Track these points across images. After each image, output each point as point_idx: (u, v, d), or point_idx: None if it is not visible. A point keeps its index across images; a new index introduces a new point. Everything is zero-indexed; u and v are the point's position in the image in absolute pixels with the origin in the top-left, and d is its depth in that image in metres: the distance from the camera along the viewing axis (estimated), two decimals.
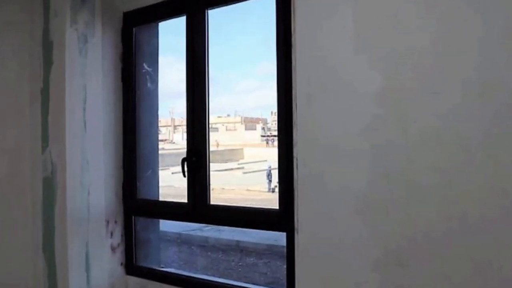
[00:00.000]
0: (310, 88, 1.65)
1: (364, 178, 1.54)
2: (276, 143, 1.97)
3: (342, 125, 1.59)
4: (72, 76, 2.31)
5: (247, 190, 16.07)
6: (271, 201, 10.31)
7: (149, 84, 2.54)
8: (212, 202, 2.19)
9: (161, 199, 2.68)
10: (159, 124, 2.89)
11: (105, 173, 2.43)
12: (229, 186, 15.81)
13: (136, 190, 2.48)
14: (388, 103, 1.50)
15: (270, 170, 16.10)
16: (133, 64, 2.48)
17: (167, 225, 7.77)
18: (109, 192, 2.46)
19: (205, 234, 9.06)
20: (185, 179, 2.22)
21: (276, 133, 1.98)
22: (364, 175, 1.54)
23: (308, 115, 1.66)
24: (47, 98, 2.38)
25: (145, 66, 2.52)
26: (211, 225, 7.82)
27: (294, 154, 1.71)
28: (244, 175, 19.77)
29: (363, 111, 1.54)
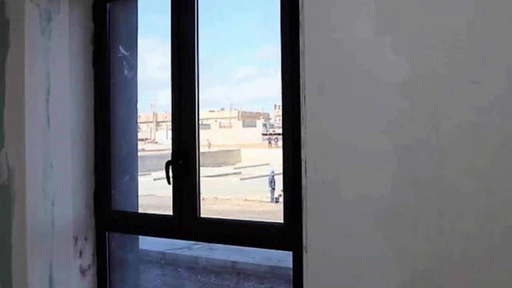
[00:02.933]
0: (322, 77, 1.65)
1: (388, 186, 1.54)
2: (280, 143, 1.98)
3: (360, 122, 1.59)
4: (32, 61, 2.31)
5: (245, 200, 16.08)
6: (275, 214, 10.33)
7: (126, 71, 2.55)
8: (202, 215, 2.20)
9: (140, 211, 2.68)
10: (139, 120, 2.89)
11: (73, 180, 2.44)
12: (224, 195, 15.82)
13: (111, 200, 2.48)
14: (417, 94, 1.50)
15: (273, 176, 16.10)
16: (107, 47, 2.48)
17: (148, 243, 7.76)
18: (78, 202, 2.46)
19: (194, 253, 9.06)
20: (170, 187, 2.22)
21: (280, 131, 1.99)
22: (387, 182, 1.54)
23: (320, 109, 1.66)
24: (2, 88, 2.38)
25: (122, 49, 2.53)
26: (202, 243, 7.82)
27: (302, 157, 1.71)
28: (242, 181, 19.78)
29: (387, 105, 1.54)
